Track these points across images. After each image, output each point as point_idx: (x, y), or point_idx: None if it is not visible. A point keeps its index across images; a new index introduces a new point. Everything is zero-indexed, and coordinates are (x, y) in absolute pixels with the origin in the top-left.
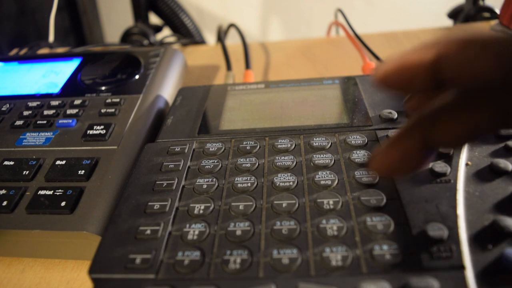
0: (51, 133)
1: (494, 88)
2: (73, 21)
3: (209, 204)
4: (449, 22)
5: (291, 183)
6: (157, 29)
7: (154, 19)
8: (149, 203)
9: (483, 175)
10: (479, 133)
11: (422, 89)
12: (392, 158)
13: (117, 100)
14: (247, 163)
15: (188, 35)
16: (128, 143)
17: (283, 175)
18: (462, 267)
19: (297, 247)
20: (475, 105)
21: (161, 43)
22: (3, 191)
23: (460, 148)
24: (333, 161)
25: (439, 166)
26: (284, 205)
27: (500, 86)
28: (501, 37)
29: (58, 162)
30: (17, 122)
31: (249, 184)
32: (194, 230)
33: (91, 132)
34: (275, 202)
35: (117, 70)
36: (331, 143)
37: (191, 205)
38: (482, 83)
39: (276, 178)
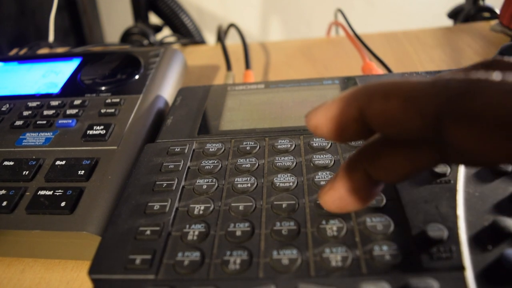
0: (51, 133)
1: (419, 139)
2: (73, 21)
3: (209, 205)
4: (449, 22)
5: (291, 184)
6: (157, 29)
7: (154, 19)
8: (149, 204)
9: (483, 175)
10: (418, 170)
11: (358, 137)
12: (339, 193)
13: (117, 100)
14: (247, 164)
15: (188, 35)
16: (128, 143)
17: (283, 176)
18: (462, 268)
19: (297, 247)
20: (408, 147)
21: (161, 43)
22: (3, 191)
23: (402, 182)
24: (333, 162)
25: (439, 166)
26: (284, 205)
27: (428, 134)
28: (423, 86)
29: (58, 162)
30: (17, 122)
31: (249, 185)
32: (194, 231)
33: (91, 132)
34: (275, 202)
35: (117, 70)
36: (331, 144)
37: (191, 205)
38: (409, 134)
39: (276, 179)
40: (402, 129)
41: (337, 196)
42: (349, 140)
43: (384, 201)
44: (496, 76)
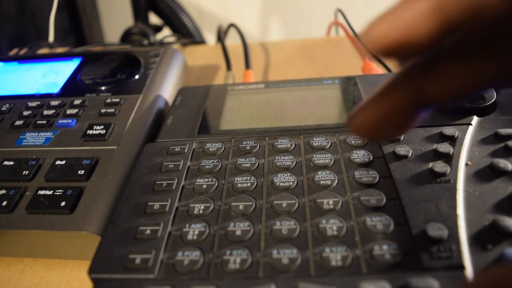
0: (51, 133)
1: (503, 29)
2: (73, 21)
3: (209, 204)
4: None
5: (291, 183)
6: (157, 29)
7: (154, 19)
8: (149, 203)
9: (483, 175)
10: (480, 86)
11: (425, 49)
12: (375, 114)
13: (117, 100)
14: (247, 163)
15: (188, 35)
16: (128, 143)
17: (283, 175)
18: (462, 267)
19: (297, 247)
20: (480, 50)
21: (161, 43)
22: (3, 191)
23: (453, 103)
24: (333, 161)
25: (439, 166)
26: (284, 205)
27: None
28: None
29: (58, 162)
30: (17, 122)
31: (249, 184)
32: (194, 230)
33: (91, 132)
34: (275, 202)
35: (117, 70)
36: (331, 143)
37: (191, 205)
38: (490, 23)
39: (276, 178)
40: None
41: (372, 117)
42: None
43: (384, 200)
44: None
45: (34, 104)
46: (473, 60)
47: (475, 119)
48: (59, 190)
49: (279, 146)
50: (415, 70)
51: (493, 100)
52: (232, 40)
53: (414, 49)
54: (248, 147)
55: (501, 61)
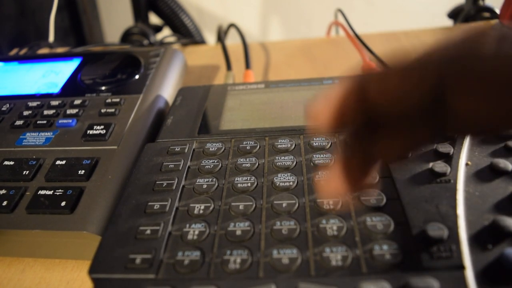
0: (51, 133)
1: (422, 112)
2: (73, 21)
3: (209, 204)
4: (449, 22)
5: (291, 183)
6: (157, 29)
7: (154, 19)
8: (149, 203)
9: (483, 175)
10: (414, 148)
11: (356, 122)
12: (337, 173)
13: (117, 100)
14: (247, 163)
15: (188, 35)
16: (128, 143)
17: (283, 175)
18: (462, 267)
19: (297, 247)
20: (404, 125)
21: (161, 43)
22: (3, 191)
23: (396, 162)
24: (333, 161)
25: (439, 166)
26: (284, 205)
27: (427, 104)
28: (416, 58)
29: (58, 162)
30: (17, 122)
31: (249, 184)
32: (194, 230)
33: (91, 132)
34: (275, 202)
35: (117, 70)
36: (331, 143)
37: (191, 205)
38: (409, 111)
39: (276, 178)
40: (403, 102)
41: (334, 175)
42: (347, 126)
43: (384, 200)
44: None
45: (34, 104)
46: (403, 128)
47: None
48: (59, 190)
49: (279, 146)
50: (363, 134)
51: None
52: (232, 40)
53: (345, 125)
54: (248, 147)
55: (426, 132)
